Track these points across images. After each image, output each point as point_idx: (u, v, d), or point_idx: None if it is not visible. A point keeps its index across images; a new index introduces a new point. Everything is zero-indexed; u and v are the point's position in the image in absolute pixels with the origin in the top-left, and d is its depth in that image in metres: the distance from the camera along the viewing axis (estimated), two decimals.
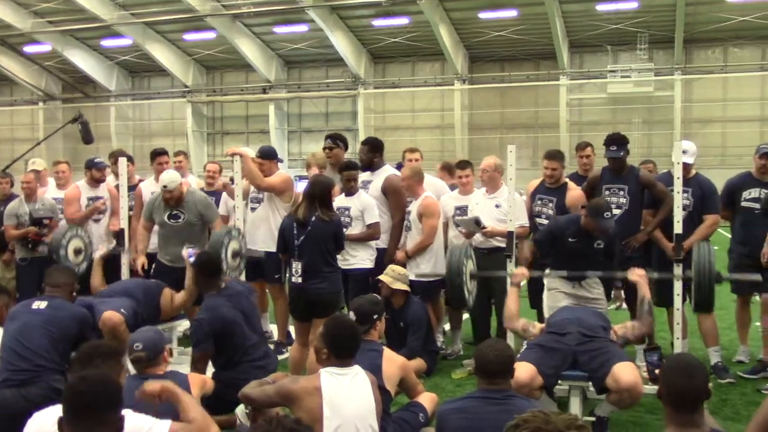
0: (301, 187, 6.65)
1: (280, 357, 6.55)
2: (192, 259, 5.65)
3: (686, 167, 5.80)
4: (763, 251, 5.90)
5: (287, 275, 5.76)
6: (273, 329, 7.33)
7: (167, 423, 3.09)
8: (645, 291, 4.90)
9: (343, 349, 3.62)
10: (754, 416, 3.25)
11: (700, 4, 25.92)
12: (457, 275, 5.36)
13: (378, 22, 29.47)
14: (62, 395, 2.52)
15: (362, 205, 6.19)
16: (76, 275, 5.19)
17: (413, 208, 6.48)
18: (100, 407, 2.47)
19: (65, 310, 4.57)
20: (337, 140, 6.91)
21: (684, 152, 5.73)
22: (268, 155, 6.88)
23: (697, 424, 2.74)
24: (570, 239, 5.37)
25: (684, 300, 5.63)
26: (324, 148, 6.96)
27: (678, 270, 5.26)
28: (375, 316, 4.35)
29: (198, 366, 4.74)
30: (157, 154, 7.65)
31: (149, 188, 7.33)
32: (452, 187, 7.13)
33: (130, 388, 3.23)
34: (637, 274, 5.03)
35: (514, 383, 4.06)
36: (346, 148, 6.99)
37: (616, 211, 6.01)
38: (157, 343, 3.86)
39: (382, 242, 6.43)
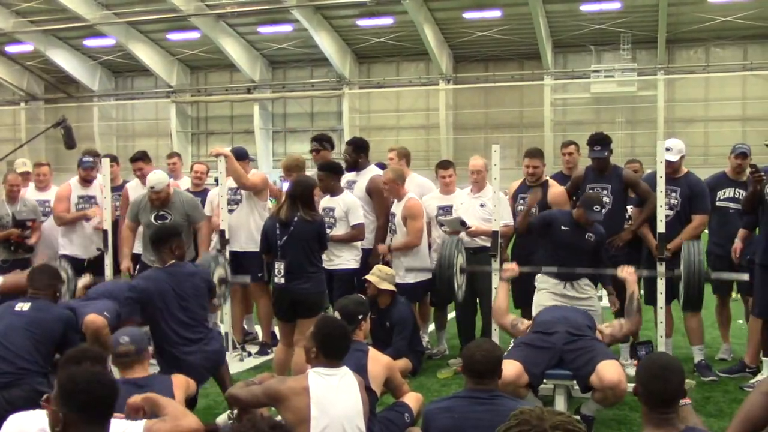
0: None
1: (265, 358, 6.56)
2: None
3: (672, 165, 5.82)
4: (734, 247, 5.98)
5: (272, 276, 5.73)
6: (258, 330, 7.32)
7: (141, 423, 3.09)
8: (634, 288, 4.93)
9: (332, 350, 3.62)
10: (736, 413, 3.29)
11: (682, 5, 26.14)
12: (448, 267, 5.34)
13: (362, 22, 29.50)
14: (69, 392, 2.41)
15: (346, 206, 6.18)
16: (59, 276, 5.13)
17: (397, 210, 6.47)
18: (109, 405, 2.45)
19: (49, 312, 4.52)
20: (323, 142, 6.91)
21: (668, 150, 5.76)
22: (240, 156, 6.85)
23: (672, 424, 2.75)
24: (563, 227, 5.45)
25: (671, 299, 5.67)
26: (310, 150, 6.96)
27: (661, 269, 5.29)
28: (360, 317, 4.34)
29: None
30: (133, 160, 7.50)
31: (137, 190, 7.28)
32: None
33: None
34: (626, 272, 5.06)
35: (500, 381, 4.09)
36: (332, 148, 6.99)
37: None
38: (142, 337, 3.87)
39: (368, 243, 6.43)
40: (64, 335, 4.48)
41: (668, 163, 5.64)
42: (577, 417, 4.28)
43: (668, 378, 2.76)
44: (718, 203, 6.24)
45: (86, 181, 7.31)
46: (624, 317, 4.95)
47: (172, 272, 4.86)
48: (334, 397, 3.50)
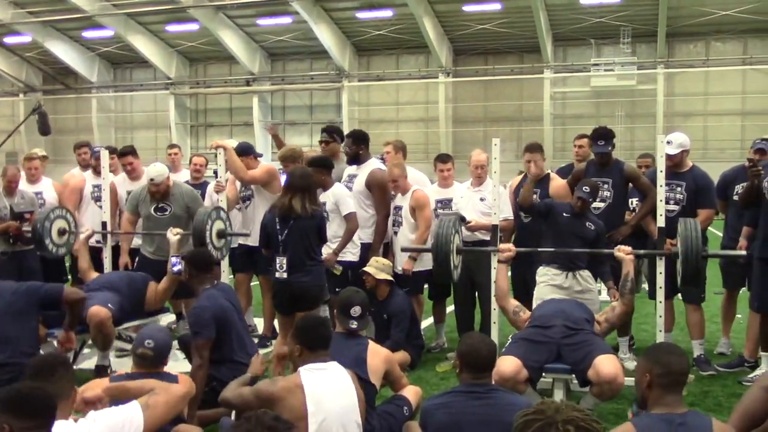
0: None
1: (264, 351, 6.53)
2: (176, 269, 5.61)
3: (672, 158, 5.80)
4: (739, 245, 5.96)
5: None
6: (257, 323, 7.32)
7: (134, 403, 3.16)
8: (629, 269, 4.93)
9: (314, 340, 3.64)
10: (735, 408, 3.30)
11: None
12: (445, 244, 5.27)
13: (362, 15, 29.42)
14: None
15: (335, 197, 6.10)
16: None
17: (404, 203, 6.45)
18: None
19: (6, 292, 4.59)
20: (333, 134, 6.88)
21: (668, 143, 5.75)
22: (245, 151, 6.75)
23: (682, 404, 2.83)
24: (564, 214, 5.55)
25: (673, 294, 5.66)
26: (320, 141, 6.93)
27: (661, 265, 5.26)
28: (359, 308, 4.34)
29: (201, 354, 4.51)
30: (121, 155, 7.44)
31: (123, 185, 7.26)
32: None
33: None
34: (623, 251, 5.06)
35: (499, 377, 4.11)
36: (342, 141, 6.95)
37: (600, 205, 6.07)
38: (166, 346, 3.89)
39: (367, 236, 6.41)
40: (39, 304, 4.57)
41: (668, 157, 5.59)
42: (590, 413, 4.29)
43: (680, 352, 2.94)
44: (735, 197, 6.14)
45: (96, 172, 7.29)
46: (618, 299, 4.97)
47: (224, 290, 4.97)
48: (328, 390, 3.51)
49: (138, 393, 3.36)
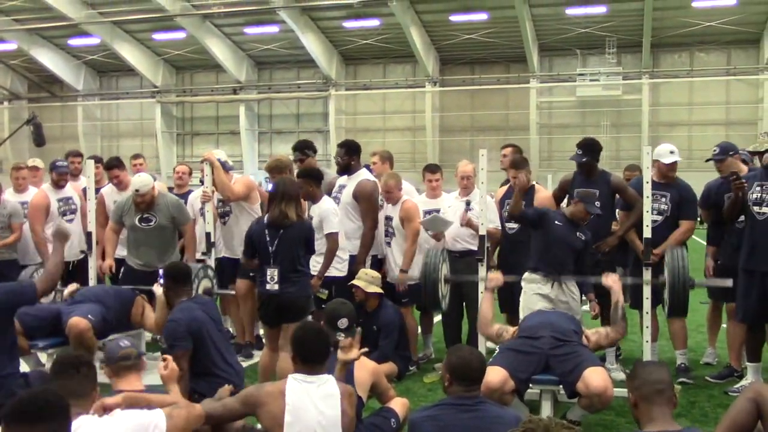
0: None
1: (247, 363, 6.37)
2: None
3: (673, 166, 6.00)
4: (705, 266, 6.09)
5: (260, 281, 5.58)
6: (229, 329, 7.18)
7: (159, 411, 3.17)
8: (619, 296, 4.94)
9: (308, 354, 3.59)
10: (722, 419, 3.30)
11: (667, 9, 26.30)
12: (433, 272, 5.33)
13: (349, 24, 29.48)
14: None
15: (320, 214, 6.01)
16: None
17: (394, 213, 6.43)
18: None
19: None
20: (304, 150, 6.77)
21: (672, 152, 5.96)
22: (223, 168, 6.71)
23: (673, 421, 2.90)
24: (556, 221, 5.57)
25: (657, 303, 5.69)
26: (294, 160, 6.79)
27: (647, 274, 5.28)
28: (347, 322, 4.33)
29: (181, 365, 4.37)
30: (108, 168, 7.37)
31: (111, 196, 7.21)
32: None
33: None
34: (611, 279, 5.07)
35: (486, 388, 4.09)
36: (316, 152, 6.92)
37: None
38: (136, 346, 3.84)
39: (354, 248, 6.38)
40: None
41: (668, 166, 5.96)
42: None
43: (664, 368, 3.03)
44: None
45: (59, 185, 7.28)
46: (609, 324, 4.98)
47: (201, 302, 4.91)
48: (309, 404, 3.47)
49: (159, 404, 3.36)
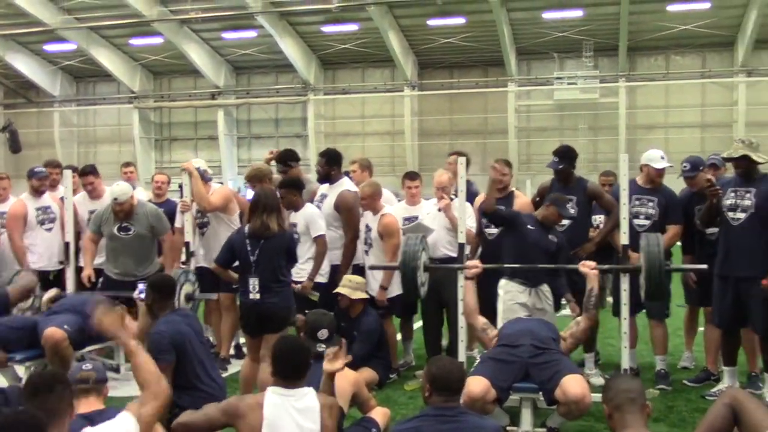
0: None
1: (226, 374, 6.31)
2: (142, 295, 5.50)
3: (662, 172, 6.11)
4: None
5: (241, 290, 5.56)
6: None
7: (126, 416, 3.12)
8: (594, 284, 5.00)
9: (286, 369, 3.59)
10: (699, 424, 3.36)
11: (642, 13, 26.52)
12: (412, 260, 5.33)
13: (327, 29, 29.42)
14: None
15: (305, 219, 6.08)
16: None
17: (373, 225, 6.40)
18: None
19: None
20: (287, 161, 6.78)
21: (662, 158, 6.11)
22: (202, 178, 6.65)
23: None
24: (529, 226, 5.64)
25: (637, 310, 5.73)
26: (279, 172, 6.79)
27: (625, 282, 5.30)
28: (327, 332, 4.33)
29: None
30: (82, 174, 7.29)
31: (84, 205, 7.14)
32: None
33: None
34: (587, 266, 5.12)
35: (468, 397, 4.12)
36: (298, 160, 6.92)
37: (565, 222, 6.12)
38: (101, 368, 3.76)
39: (336, 258, 6.38)
40: None
41: (658, 171, 6.08)
42: None
43: (636, 380, 3.16)
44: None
45: (38, 192, 7.19)
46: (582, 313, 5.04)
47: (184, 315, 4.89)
48: (287, 417, 3.47)
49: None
